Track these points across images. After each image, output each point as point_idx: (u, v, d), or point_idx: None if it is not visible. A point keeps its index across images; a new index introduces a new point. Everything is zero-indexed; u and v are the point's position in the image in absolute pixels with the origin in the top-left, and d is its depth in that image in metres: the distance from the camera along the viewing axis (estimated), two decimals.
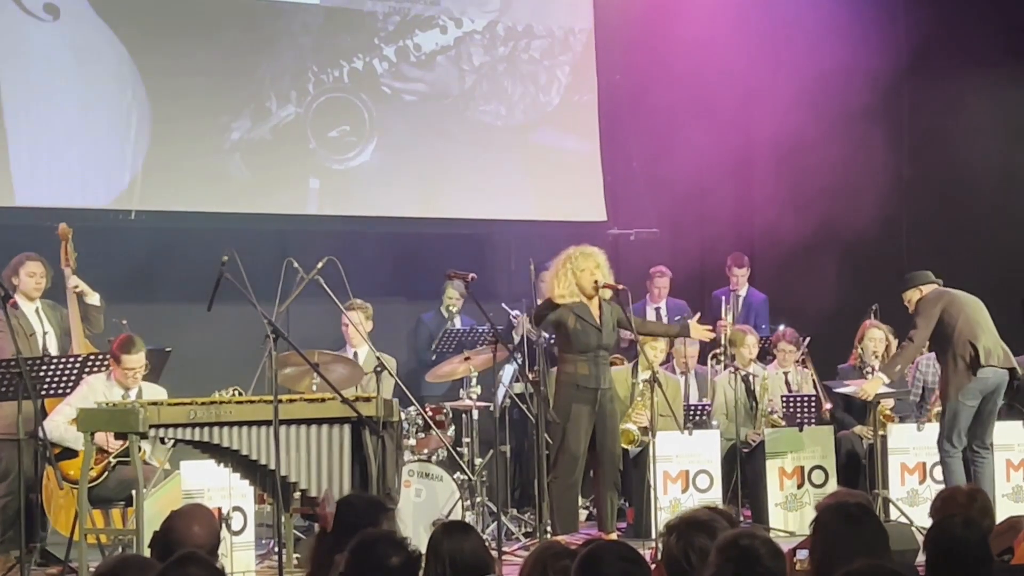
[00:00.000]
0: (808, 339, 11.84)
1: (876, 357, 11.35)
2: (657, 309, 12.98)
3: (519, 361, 10.39)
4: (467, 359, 10.60)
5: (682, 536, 4.72)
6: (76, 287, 9.77)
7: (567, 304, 9.74)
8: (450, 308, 12.27)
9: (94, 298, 9.88)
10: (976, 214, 13.94)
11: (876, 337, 11.48)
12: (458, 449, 10.57)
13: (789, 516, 11.05)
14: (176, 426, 8.40)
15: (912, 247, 13.85)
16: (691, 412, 11.31)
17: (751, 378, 11.52)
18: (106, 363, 9.44)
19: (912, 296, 10.46)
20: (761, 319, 13.14)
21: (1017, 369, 10.33)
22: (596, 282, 9.74)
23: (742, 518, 10.89)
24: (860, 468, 11.23)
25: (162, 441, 8.57)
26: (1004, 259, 13.18)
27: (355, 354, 10.85)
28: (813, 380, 11.50)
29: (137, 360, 9.33)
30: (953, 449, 10.16)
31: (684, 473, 10.86)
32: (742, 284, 13.36)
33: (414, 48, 13.03)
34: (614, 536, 9.49)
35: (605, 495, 9.77)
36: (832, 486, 10.90)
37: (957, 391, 10.16)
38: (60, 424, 9.16)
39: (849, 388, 10.99)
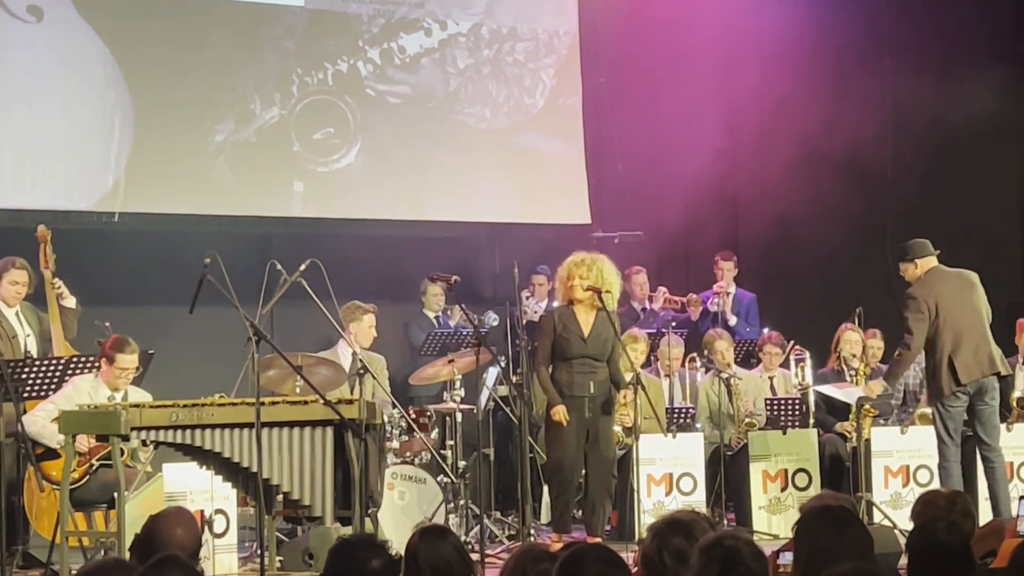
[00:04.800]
0: (792, 342, 11.83)
1: (855, 358, 11.34)
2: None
3: (503, 364, 10.36)
4: (451, 362, 10.59)
5: (658, 536, 4.73)
6: (57, 286, 9.74)
7: (559, 307, 9.75)
8: (433, 307, 12.28)
9: (70, 301, 9.84)
10: (962, 221, 13.94)
11: (852, 340, 11.47)
12: (441, 452, 10.55)
13: (773, 519, 11.05)
14: (158, 428, 8.39)
15: (896, 253, 13.81)
16: (675, 415, 11.30)
17: (733, 381, 11.51)
18: (90, 365, 9.40)
19: (907, 269, 10.23)
20: (751, 319, 13.04)
21: (1002, 370, 10.20)
22: (587, 288, 9.68)
23: (726, 522, 10.90)
24: (844, 471, 11.22)
25: (144, 444, 8.55)
26: (990, 265, 13.15)
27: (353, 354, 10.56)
28: (803, 384, 11.45)
29: (131, 360, 9.30)
30: (948, 449, 10.03)
31: (668, 476, 10.87)
32: (729, 280, 13.08)
33: (398, 50, 13.00)
34: (599, 540, 9.46)
35: (596, 501, 9.70)
36: (816, 489, 10.90)
37: (936, 400, 10.11)
38: (39, 420, 9.11)
39: (854, 391, 10.85)
